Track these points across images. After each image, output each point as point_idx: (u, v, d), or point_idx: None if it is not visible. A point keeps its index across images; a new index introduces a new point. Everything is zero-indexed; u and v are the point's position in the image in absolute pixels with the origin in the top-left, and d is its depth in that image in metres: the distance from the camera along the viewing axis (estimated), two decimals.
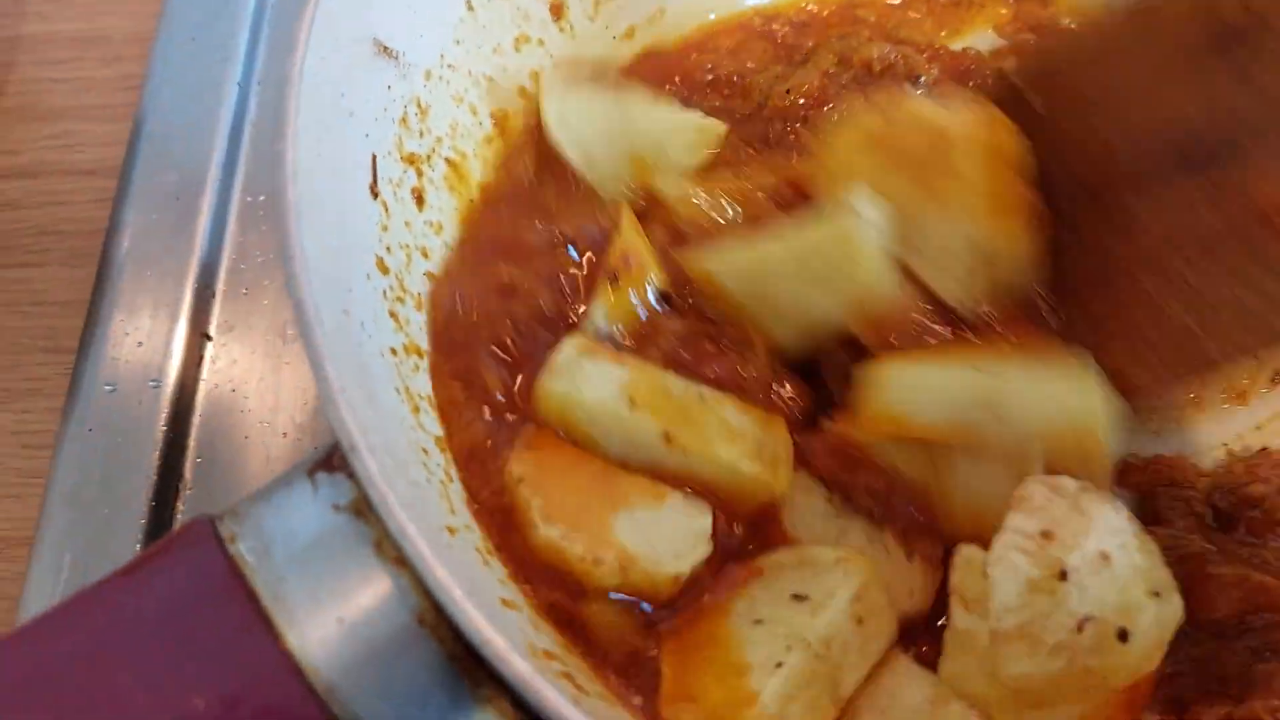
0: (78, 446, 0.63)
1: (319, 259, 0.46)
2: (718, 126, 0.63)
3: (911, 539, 0.53)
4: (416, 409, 0.52)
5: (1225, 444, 0.62)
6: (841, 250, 0.53)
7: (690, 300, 0.57)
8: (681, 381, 0.53)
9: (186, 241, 0.70)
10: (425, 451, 0.50)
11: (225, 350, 0.67)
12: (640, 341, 0.56)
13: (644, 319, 0.56)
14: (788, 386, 0.55)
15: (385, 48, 0.56)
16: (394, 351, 0.52)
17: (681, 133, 0.63)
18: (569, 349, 0.53)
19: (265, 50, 0.77)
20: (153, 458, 0.63)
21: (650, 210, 0.61)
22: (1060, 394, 0.51)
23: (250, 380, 0.66)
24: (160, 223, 0.70)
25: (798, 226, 0.54)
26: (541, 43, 0.66)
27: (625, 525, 0.49)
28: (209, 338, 0.67)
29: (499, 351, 0.54)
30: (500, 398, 0.53)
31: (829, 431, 0.54)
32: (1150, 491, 0.61)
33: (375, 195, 0.54)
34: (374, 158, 0.54)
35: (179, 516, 0.62)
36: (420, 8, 0.58)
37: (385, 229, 0.54)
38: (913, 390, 0.52)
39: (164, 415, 0.64)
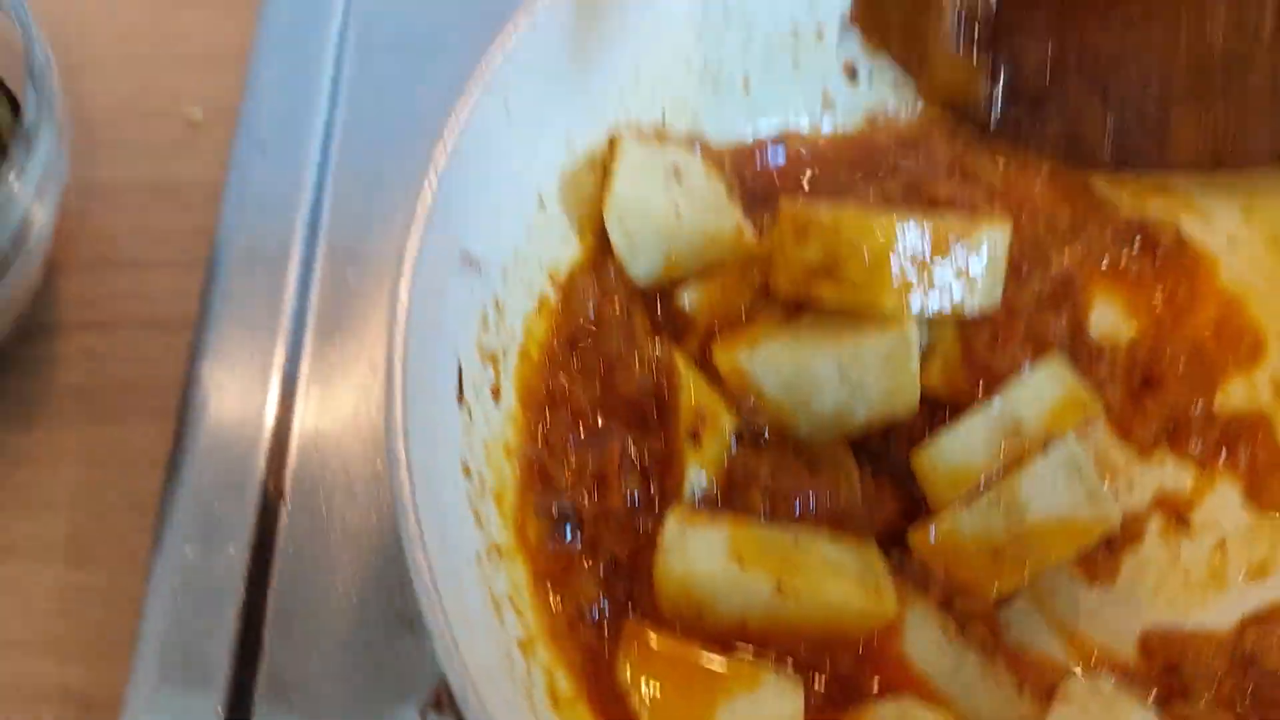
0: (161, 609, 0.66)
1: (425, 493, 0.50)
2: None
3: (1023, 671, 0.59)
4: (498, 608, 0.55)
5: (1242, 616, 0.66)
6: (889, 363, 0.60)
7: (763, 429, 0.62)
8: (775, 530, 0.59)
9: (258, 400, 0.73)
10: (510, 657, 0.53)
11: (299, 511, 0.70)
12: (735, 489, 0.61)
13: (730, 465, 0.61)
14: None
15: (470, 258, 0.59)
16: (478, 556, 0.55)
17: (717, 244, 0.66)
18: (672, 525, 0.57)
19: (330, 207, 0.80)
20: (233, 621, 0.66)
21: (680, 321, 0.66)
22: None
23: (322, 542, 0.69)
24: (233, 382, 0.73)
25: (845, 335, 0.60)
26: None
27: (726, 718, 0.53)
28: (282, 496, 0.71)
29: (601, 548, 0.59)
30: (606, 597, 0.58)
31: (913, 549, 0.60)
32: (1174, 665, 0.65)
33: (461, 402, 0.58)
34: (460, 366, 0.58)
35: (259, 680, 0.65)
36: (501, 212, 0.61)
37: (468, 432, 0.58)
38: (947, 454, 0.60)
39: (242, 577, 0.67)
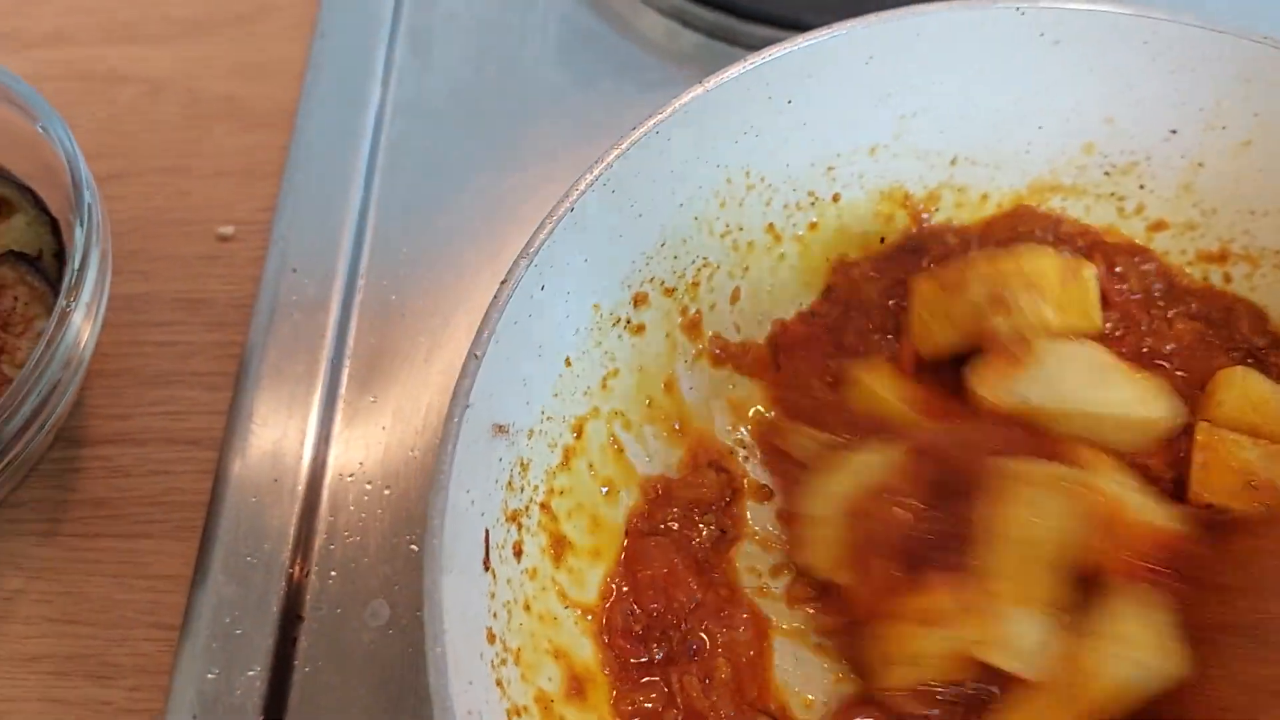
0: None
1: (457, 677, 0.53)
2: None
3: None
4: None
5: None
6: None
7: None
8: None
9: (282, 521, 0.76)
10: None
11: (316, 639, 0.73)
12: None
13: None
14: None
15: (500, 427, 0.62)
16: None
17: None
18: None
19: (355, 328, 0.83)
20: None
21: None
22: None
23: (337, 671, 0.72)
24: (257, 502, 0.76)
25: None
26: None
27: None
28: (302, 618, 0.73)
29: None
30: None
31: None
32: None
33: (487, 568, 0.61)
34: (486, 534, 0.61)
35: None
36: (530, 382, 0.64)
37: (493, 596, 0.61)
38: None
39: (259, 706, 0.70)
